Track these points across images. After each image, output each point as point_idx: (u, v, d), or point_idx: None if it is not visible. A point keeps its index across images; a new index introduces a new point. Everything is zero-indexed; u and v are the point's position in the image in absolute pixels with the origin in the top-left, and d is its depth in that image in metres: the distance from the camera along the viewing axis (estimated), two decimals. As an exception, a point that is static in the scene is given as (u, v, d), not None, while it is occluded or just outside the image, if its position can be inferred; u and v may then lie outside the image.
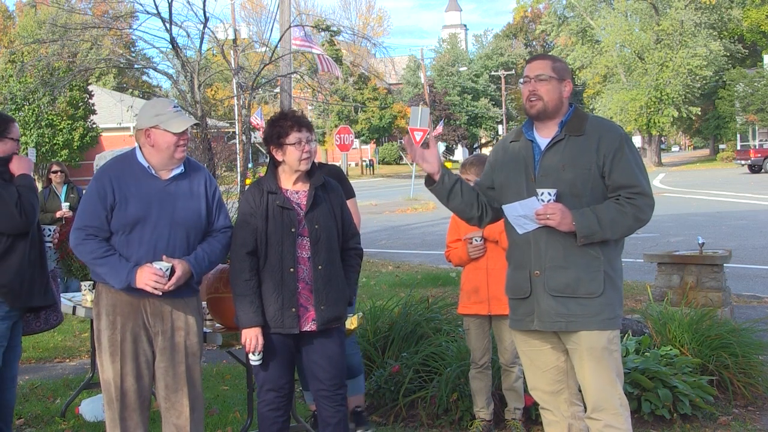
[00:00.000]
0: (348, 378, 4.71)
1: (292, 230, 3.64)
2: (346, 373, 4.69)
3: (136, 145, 3.72)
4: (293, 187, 3.75)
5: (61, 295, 4.86)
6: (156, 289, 3.48)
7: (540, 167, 3.32)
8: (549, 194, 3.22)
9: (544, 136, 3.37)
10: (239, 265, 3.63)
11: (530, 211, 3.24)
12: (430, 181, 3.50)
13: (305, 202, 3.69)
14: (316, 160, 4.66)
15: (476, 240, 4.50)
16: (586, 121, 3.34)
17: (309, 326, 3.67)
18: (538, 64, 3.37)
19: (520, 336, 3.49)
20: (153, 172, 3.63)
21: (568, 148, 3.28)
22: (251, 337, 3.61)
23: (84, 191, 3.97)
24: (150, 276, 3.47)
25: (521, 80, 3.44)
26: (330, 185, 3.83)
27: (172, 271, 3.52)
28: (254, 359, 3.66)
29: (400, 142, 63.06)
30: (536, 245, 3.30)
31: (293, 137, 3.67)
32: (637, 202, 3.23)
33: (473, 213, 3.53)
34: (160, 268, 3.48)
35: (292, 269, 3.62)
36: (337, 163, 6.90)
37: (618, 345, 3.35)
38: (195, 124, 3.72)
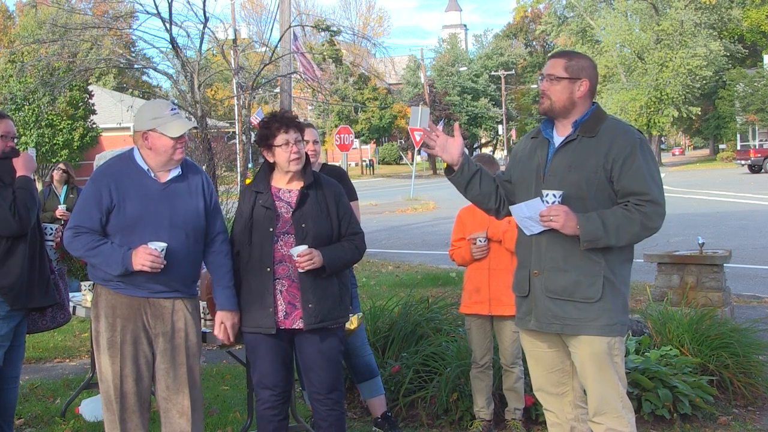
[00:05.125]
0: (364, 380, 4.73)
1: (270, 230, 3.64)
2: (362, 375, 4.71)
3: (134, 145, 3.71)
4: (287, 186, 3.75)
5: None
6: (153, 269, 3.46)
7: (549, 166, 3.27)
8: (554, 196, 3.15)
9: (560, 135, 3.32)
10: None
11: (535, 213, 3.18)
12: (449, 170, 3.44)
13: (295, 201, 3.70)
14: (319, 161, 4.70)
15: (480, 241, 4.49)
16: (603, 122, 3.26)
17: (297, 324, 3.66)
18: (553, 62, 3.31)
19: (526, 336, 3.46)
20: (152, 174, 3.62)
21: (579, 149, 3.22)
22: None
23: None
24: (145, 257, 3.45)
25: (540, 76, 3.39)
26: (325, 183, 3.81)
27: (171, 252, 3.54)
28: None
29: (401, 142, 63.09)
30: (537, 245, 3.27)
31: (280, 139, 3.66)
32: (646, 209, 3.13)
33: (491, 204, 3.49)
34: (155, 248, 3.47)
35: (269, 269, 3.62)
36: (337, 163, 6.90)
37: (621, 351, 3.29)
38: (194, 128, 3.69)
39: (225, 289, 3.72)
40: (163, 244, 3.49)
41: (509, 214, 3.53)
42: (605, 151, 3.18)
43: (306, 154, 3.79)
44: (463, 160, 3.39)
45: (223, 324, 3.73)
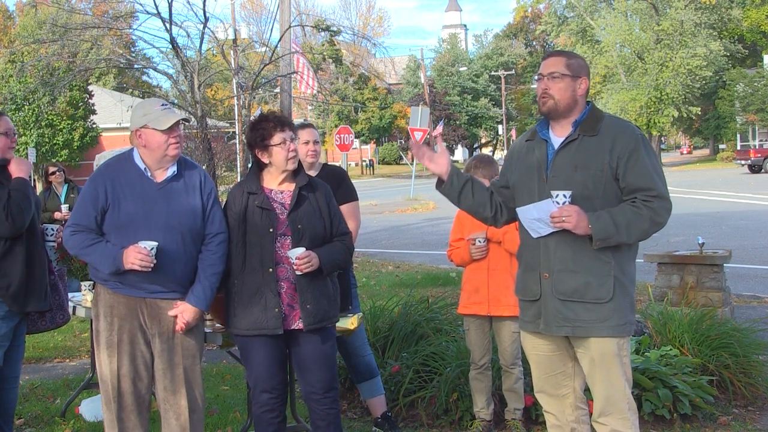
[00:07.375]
0: (364, 380, 4.73)
1: (270, 230, 3.62)
2: (362, 375, 4.72)
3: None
4: (278, 187, 3.74)
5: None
6: (143, 267, 3.45)
7: (552, 168, 3.24)
8: (564, 196, 3.12)
9: (558, 135, 3.29)
10: None
11: (545, 214, 3.15)
12: (439, 182, 3.44)
13: (289, 202, 3.69)
14: (319, 161, 4.70)
15: (479, 241, 4.48)
16: (602, 120, 3.25)
17: (296, 325, 3.66)
18: (552, 60, 3.28)
19: (529, 338, 3.43)
20: (148, 174, 3.63)
21: (581, 148, 3.20)
22: None
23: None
24: (135, 255, 3.45)
25: (535, 77, 3.35)
26: (316, 184, 3.81)
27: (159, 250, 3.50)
28: None
29: (401, 142, 63.10)
30: (546, 247, 3.23)
31: (278, 137, 3.66)
32: (654, 205, 3.14)
33: (486, 213, 3.48)
34: (145, 247, 3.46)
35: (271, 269, 3.61)
36: (337, 163, 6.92)
37: (628, 350, 3.30)
38: (184, 120, 3.69)
39: (206, 290, 3.63)
40: (154, 243, 3.49)
41: (508, 222, 3.53)
42: (609, 148, 3.17)
43: (297, 156, 3.77)
44: (451, 170, 3.40)
45: (183, 315, 3.60)
